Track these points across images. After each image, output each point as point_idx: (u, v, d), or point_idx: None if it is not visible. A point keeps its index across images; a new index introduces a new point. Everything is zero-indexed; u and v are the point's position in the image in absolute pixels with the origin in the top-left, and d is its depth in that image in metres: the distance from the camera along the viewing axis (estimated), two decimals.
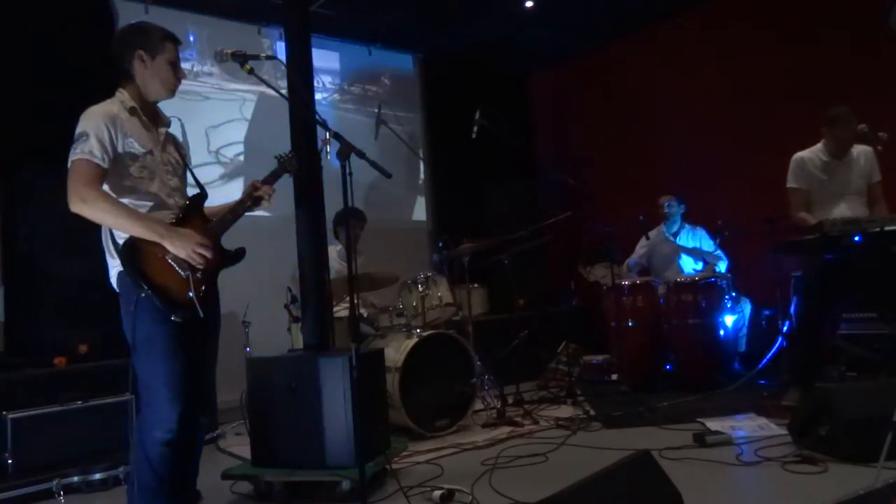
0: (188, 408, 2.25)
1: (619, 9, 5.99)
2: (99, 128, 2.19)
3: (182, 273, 2.22)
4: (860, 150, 3.84)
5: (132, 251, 2.18)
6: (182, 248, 2.21)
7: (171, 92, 2.41)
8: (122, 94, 2.35)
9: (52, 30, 4.47)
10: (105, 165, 2.19)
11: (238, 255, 2.46)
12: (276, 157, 2.70)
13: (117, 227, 2.20)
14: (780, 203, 4.05)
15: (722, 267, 5.29)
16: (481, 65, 6.89)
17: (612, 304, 5.04)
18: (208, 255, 2.26)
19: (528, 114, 7.63)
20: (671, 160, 6.38)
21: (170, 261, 2.22)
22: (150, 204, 2.31)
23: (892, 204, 3.86)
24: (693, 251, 5.42)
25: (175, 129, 2.53)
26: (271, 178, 2.61)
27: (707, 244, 5.45)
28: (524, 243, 4.76)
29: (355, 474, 2.47)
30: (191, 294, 2.22)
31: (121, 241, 2.21)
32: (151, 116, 2.41)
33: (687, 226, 5.54)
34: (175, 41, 2.40)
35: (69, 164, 2.19)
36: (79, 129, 2.21)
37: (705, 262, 5.34)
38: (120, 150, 2.24)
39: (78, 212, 2.15)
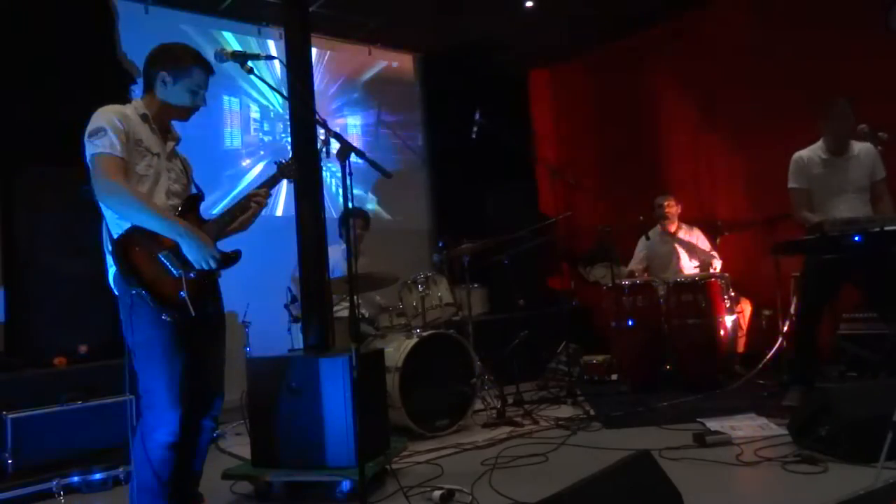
0: (190, 410, 2.25)
1: (618, 9, 5.98)
2: (114, 122, 2.23)
3: (175, 273, 2.23)
4: (861, 147, 3.71)
5: (125, 249, 2.19)
6: (196, 251, 2.25)
7: (185, 118, 2.45)
8: (137, 103, 2.39)
9: (52, 30, 4.46)
10: (125, 156, 2.23)
11: (233, 257, 2.46)
12: (276, 163, 2.72)
13: (138, 221, 2.21)
14: (779, 203, 4.05)
15: (717, 265, 5.29)
16: (481, 64, 6.87)
17: (612, 304, 5.03)
18: (213, 266, 2.30)
19: (528, 113, 7.62)
20: (671, 160, 6.38)
21: (162, 259, 2.22)
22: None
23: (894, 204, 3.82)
24: (690, 247, 5.41)
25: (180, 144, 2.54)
26: (270, 183, 2.65)
27: (703, 245, 5.45)
28: (524, 243, 4.76)
29: (355, 474, 2.47)
30: (182, 294, 2.22)
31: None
32: (162, 128, 2.43)
33: (684, 226, 5.54)
34: (207, 69, 2.41)
35: (90, 160, 2.22)
36: (94, 126, 2.23)
37: (700, 262, 5.33)
38: (131, 143, 2.27)
39: (104, 204, 2.22)
